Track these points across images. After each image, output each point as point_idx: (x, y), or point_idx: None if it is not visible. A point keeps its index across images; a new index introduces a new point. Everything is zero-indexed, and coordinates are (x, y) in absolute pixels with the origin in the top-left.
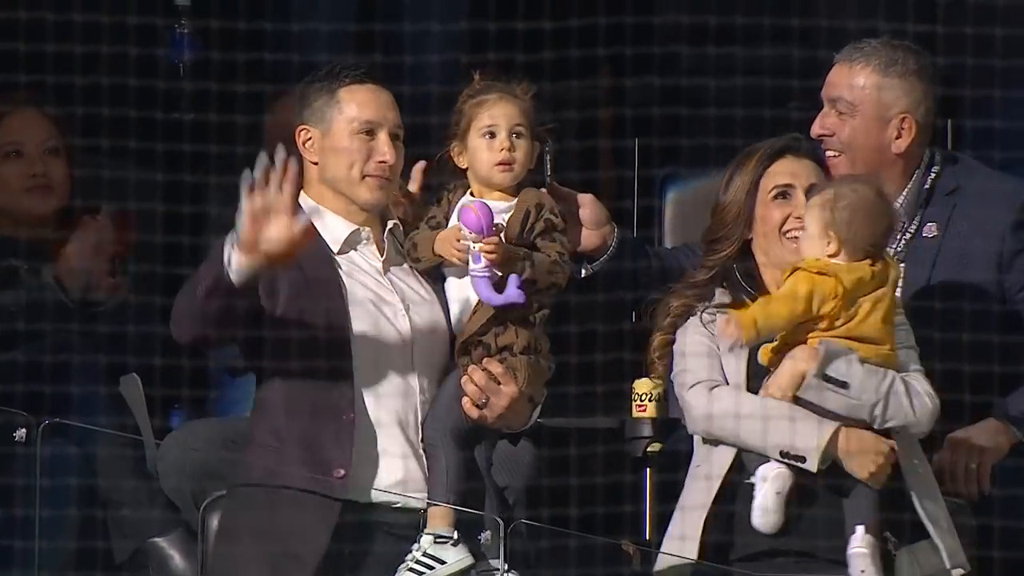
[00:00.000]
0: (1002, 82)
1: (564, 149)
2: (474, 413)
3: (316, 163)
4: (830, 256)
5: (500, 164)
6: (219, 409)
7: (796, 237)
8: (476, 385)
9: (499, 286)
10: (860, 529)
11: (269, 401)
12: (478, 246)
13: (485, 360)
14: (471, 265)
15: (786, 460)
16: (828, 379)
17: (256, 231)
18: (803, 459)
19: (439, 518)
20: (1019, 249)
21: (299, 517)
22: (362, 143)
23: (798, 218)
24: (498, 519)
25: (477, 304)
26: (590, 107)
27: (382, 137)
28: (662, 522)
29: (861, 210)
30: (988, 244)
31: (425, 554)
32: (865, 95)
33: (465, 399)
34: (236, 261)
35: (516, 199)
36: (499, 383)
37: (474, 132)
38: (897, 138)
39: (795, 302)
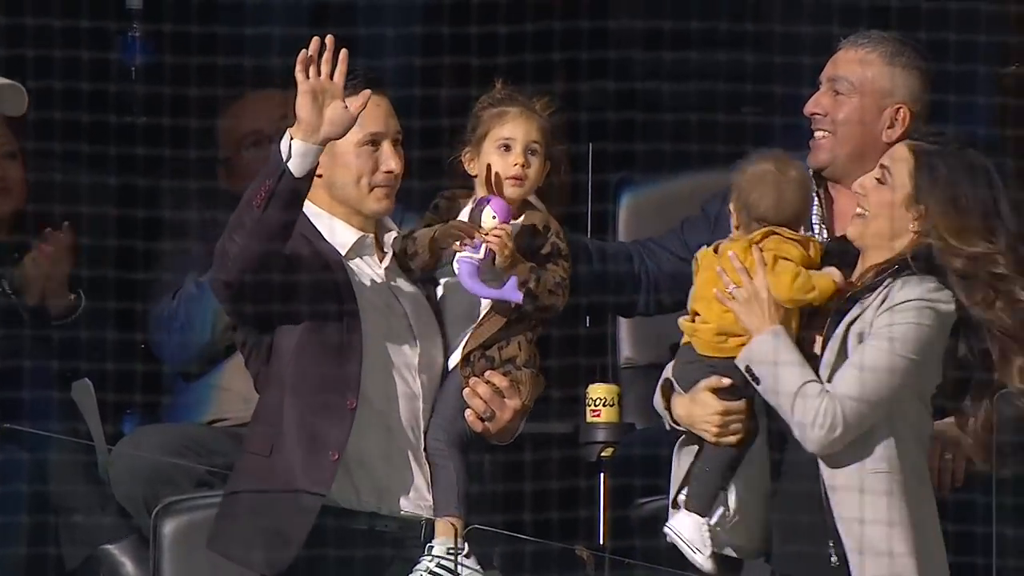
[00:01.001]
0: (956, 87)
1: None
2: (478, 426)
3: (320, 175)
4: (735, 228)
5: (512, 178)
6: (172, 414)
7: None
8: (482, 398)
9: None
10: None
11: (270, 406)
12: (487, 237)
13: (488, 373)
14: (465, 252)
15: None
16: (748, 370)
17: (316, 111)
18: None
19: (449, 530)
20: None
21: (280, 520)
22: (368, 155)
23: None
24: (452, 523)
25: (485, 316)
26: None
27: (386, 147)
28: (616, 527)
29: (752, 182)
30: None
31: (440, 566)
32: (867, 78)
33: (469, 412)
34: (297, 148)
35: (522, 216)
36: (503, 396)
37: (490, 142)
38: (889, 127)
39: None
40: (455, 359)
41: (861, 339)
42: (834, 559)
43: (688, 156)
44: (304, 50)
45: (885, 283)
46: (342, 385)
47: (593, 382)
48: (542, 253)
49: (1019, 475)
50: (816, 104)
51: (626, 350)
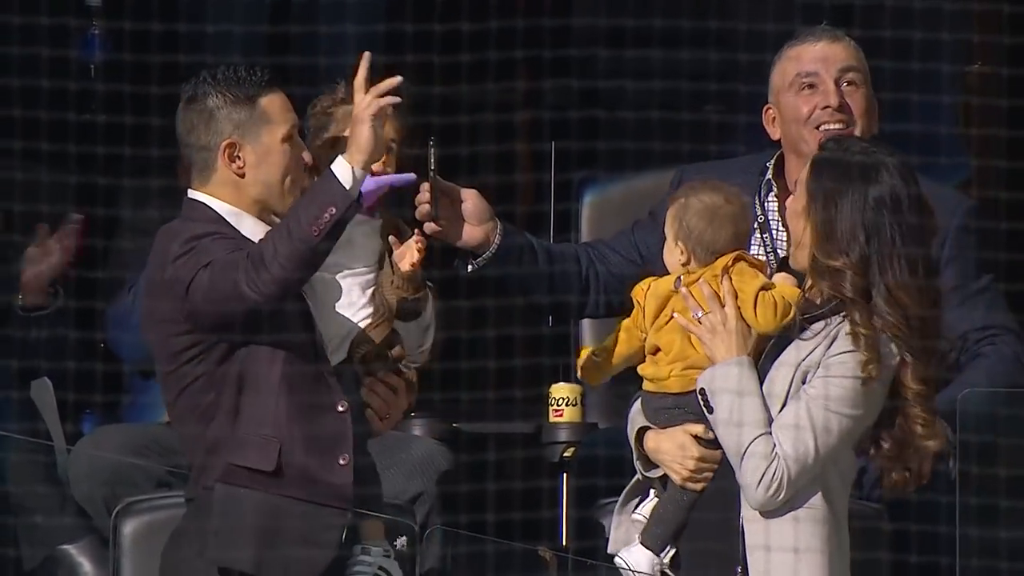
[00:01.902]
0: (919, 86)
1: (482, 152)
2: (377, 424)
3: (242, 176)
4: (683, 265)
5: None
6: (132, 414)
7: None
8: (381, 398)
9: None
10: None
11: (255, 415)
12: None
13: (383, 373)
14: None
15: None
16: (703, 393)
17: (375, 135)
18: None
19: (378, 529)
20: (952, 256)
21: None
22: (290, 150)
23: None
24: (414, 525)
25: (379, 318)
26: (507, 109)
27: (298, 140)
28: (579, 527)
29: (706, 217)
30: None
31: (381, 568)
32: (865, 68)
33: (370, 411)
34: (358, 175)
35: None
36: (397, 396)
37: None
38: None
39: (622, 332)
40: (339, 358)
41: (804, 378)
42: None
43: (651, 154)
44: (362, 75)
45: (833, 320)
46: (324, 386)
47: (556, 382)
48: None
49: (982, 475)
50: (833, 95)
51: None
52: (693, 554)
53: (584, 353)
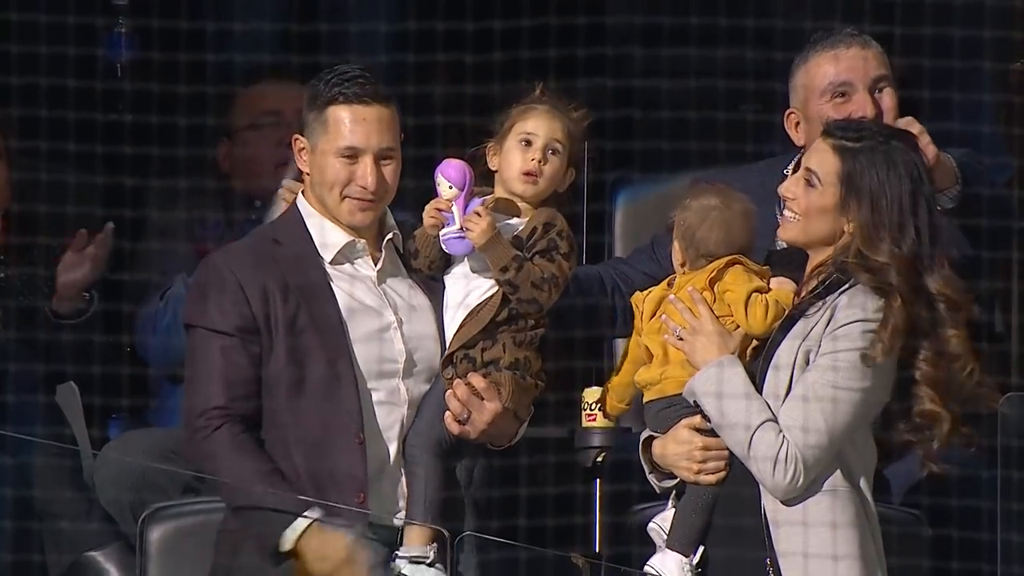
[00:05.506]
0: (960, 84)
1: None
2: (455, 428)
3: (308, 173)
4: (680, 266)
5: (527, 174)
6: (159, 419)
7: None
8: (459, 400)
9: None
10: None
11: (275, 437)
12: (456, 210)
13: (469, 374)
14: (444, 229)
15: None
16: (696, 404)
17: None
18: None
19: (415, 537)
20: None
21: None
22: (343, 167)
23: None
24: (444, 531)
25: (467, 317)
26: None
27: (365, 161)
28: (612, 533)
29: (699, 218)
30: None
31: (400, 575)
32: (891, 74)
33: (447, 413)
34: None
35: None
36: (482, 398)
37: (512, 136)
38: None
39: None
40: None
41: (808, 360)
42: None
43: (687, 155)
44: None
45: (828, 299)
46: (345, 415)
47: (589, 386)
48: (537, 250)
49: None
50: (869, 106)
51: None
52: (722, 559)
53: (607, 396)
